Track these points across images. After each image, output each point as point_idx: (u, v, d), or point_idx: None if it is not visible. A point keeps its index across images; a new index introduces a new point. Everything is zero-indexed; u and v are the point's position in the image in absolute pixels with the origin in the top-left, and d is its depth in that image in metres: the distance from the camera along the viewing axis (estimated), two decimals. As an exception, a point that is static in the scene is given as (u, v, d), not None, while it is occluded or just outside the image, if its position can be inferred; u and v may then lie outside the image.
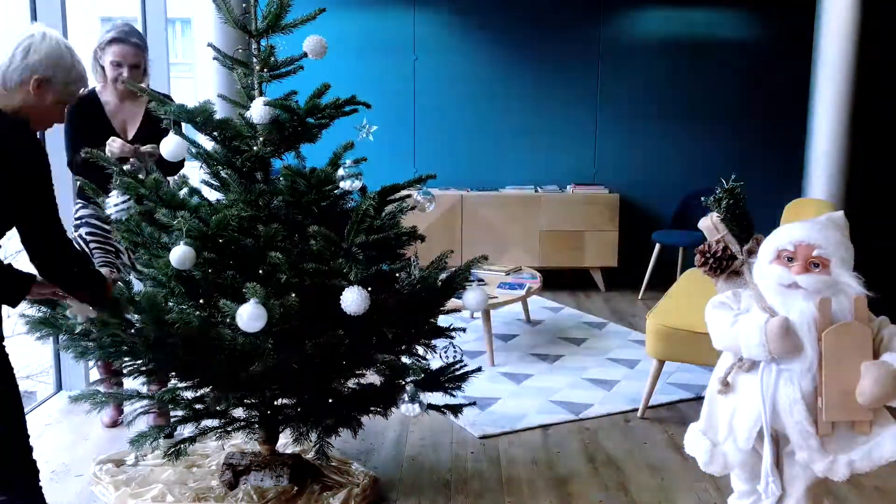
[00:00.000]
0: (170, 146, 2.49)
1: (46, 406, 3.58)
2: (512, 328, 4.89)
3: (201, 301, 2.42)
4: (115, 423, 3.26)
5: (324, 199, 2.51)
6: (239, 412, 2.72)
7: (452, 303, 2.68)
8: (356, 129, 2.55)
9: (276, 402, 2.69)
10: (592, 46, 6.17)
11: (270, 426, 2.71)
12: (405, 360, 2.63)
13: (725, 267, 2.09)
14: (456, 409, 2.79)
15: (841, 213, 1.96)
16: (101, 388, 2.71)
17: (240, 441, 3.00)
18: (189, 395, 2.55)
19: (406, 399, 2.50)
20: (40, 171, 1.97)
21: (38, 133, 2.17)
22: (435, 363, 2.73)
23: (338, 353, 2.40)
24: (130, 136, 3.18)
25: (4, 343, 2.07)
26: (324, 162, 2.53)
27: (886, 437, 1.83)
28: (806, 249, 1.84)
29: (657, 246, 5.79)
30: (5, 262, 2.02)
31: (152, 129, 3.05)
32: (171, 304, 2.41)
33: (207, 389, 2.51)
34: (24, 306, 2.33)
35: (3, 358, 2.05)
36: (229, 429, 2.69)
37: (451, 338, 2.72)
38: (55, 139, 3.20)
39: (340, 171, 2.48)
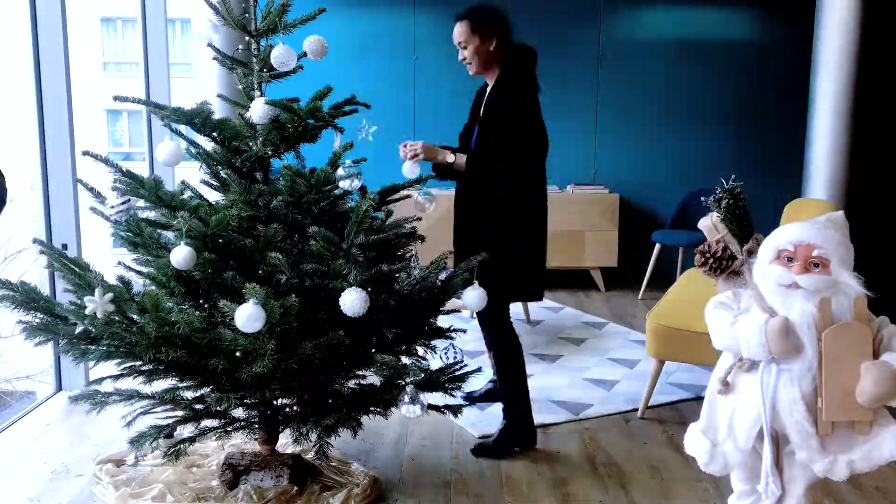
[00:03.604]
0: (164, 152, 2.50)
1: (46, 406, 3.58)
2: (512, 328, 4.88)
3: (201, 301, 2.42)
4: None
5: (323, 199, 2.51)
6: (239, 412, 2.72)
7: (453, 303, 2.68)
8: (356, 129, 2.55)
9: (276, 402, 2.69)
10: (592, 46, 6.17)
11: (270, 426, 2.71)
12: (405, 360, 2.63)
13: (725, 267, 2.08)
14: (456, 410, 2.79)
15: (841, 213, 1.96)
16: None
17: (240, 441, 3.00)
18: (189, 395, 2.55)
19: (406, 400, 2.50)
20: None
21: None
22: (435, 363, 2.73)
23: (338, 354, 2.40)
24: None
25: None
26: (324, 162, 2.53)
27: (886, 437, 1.83)
28: (806, 249, 1.84)
29: (657, 246, 5.79)
30: (6, 261, 2.02)
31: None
32: (171, 304, 2.42)
33: (207, 389, 2.51)
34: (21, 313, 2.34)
35: None
36: (229, 429, 2.69)
37: (451, 338, 2.73)
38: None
39: (340, 171, 2.48)
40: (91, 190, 2.55)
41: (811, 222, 1.90)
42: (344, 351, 2.38)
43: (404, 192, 2.72)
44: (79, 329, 2.39)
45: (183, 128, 2.57)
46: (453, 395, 2.73)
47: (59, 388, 3.76)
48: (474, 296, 2.57)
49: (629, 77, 6.20)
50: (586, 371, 4.08)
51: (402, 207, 2.77)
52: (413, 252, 2.72)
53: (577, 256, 5.98)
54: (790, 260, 1.85)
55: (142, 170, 2.99)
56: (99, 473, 2.80)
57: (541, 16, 6.07)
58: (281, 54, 2.47)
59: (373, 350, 2.49)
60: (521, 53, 3.08)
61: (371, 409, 2.63)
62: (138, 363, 2.47)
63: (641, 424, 3.40)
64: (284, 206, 2.51)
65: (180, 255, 2.24)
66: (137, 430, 2.58)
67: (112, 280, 2.41)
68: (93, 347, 2.41)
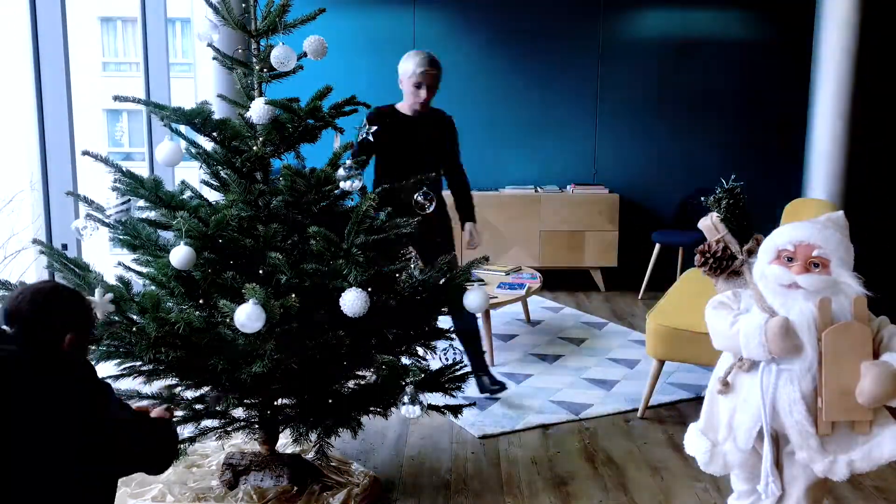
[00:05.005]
0: (164, 152, 2.50)
1: (46, 406, 3.57)
2: (512, 328, 4.89)
3: (201, 301, 2.42)
4: None
5: (323, 199, 2.51)
6: (239, 412, 2.72)
7: (453, 303, 2.67)
8: (356, 129, 2.55)
9: (276, 402, 2.69)
10: (592, 46, 6.17)
11: (270, 426, 2.71)
12: (405, 360, 2.63)
13: (725, 267, 2.08)
14: (456, 410, 2.79)
15: (841, 213, 1.96)
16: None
17: (240, 441, 3.00)
18: (189, 395, 2.55)
19: (406, 400, 2.50)
20: None
21: None
22: (435, 364, 2.73)
23: (338, 354, 2.40)
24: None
25: None
26: (324, 162, 2.53)
27: (886, 437, 1.83)
28: (806, 249, 1.84)
29: (657, 246, 5.78)
30: (6, 261, 2.01)
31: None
32: (171, 304, 2.42)
33: (207, 389, 2.51)
34: None
35: None
36: (229, 429, 2.69)
37: (451, 339, 2.72)
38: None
39: (340, 171, 2.48)
40: (85, 199, 2.54)
41: (811, 222, 1.90)
42: (344, 351, 2.38)
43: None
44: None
45: (183, 128, 2.57)
46: (453, 395, 2.73)
47: (59, 388, 3.75)
48: (475, 296, 2.57)
49: (629, 77, 6.20)
50: (586, 371, 4.08)
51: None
52: (412, 253, 2.71)
53: (577, 256, 5.98)
54: (790, 260, 1.85)
55: (142, 170, 2.99)
56: (99, 473, 2.80)
57: (541, 15, 6.07)
58: (281, 54, 2.47)
59: (373, 350, 2.49)
60: None
61: (371, 409, 2.63)
62: (138, 363, 2.47)
63: (641, 424, 3.40)
64: (284, 206, 2.51)
65: (180, 255, 2.24)
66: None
67: (112, 280, 2.41)
68: (93, 347, 2.41)
